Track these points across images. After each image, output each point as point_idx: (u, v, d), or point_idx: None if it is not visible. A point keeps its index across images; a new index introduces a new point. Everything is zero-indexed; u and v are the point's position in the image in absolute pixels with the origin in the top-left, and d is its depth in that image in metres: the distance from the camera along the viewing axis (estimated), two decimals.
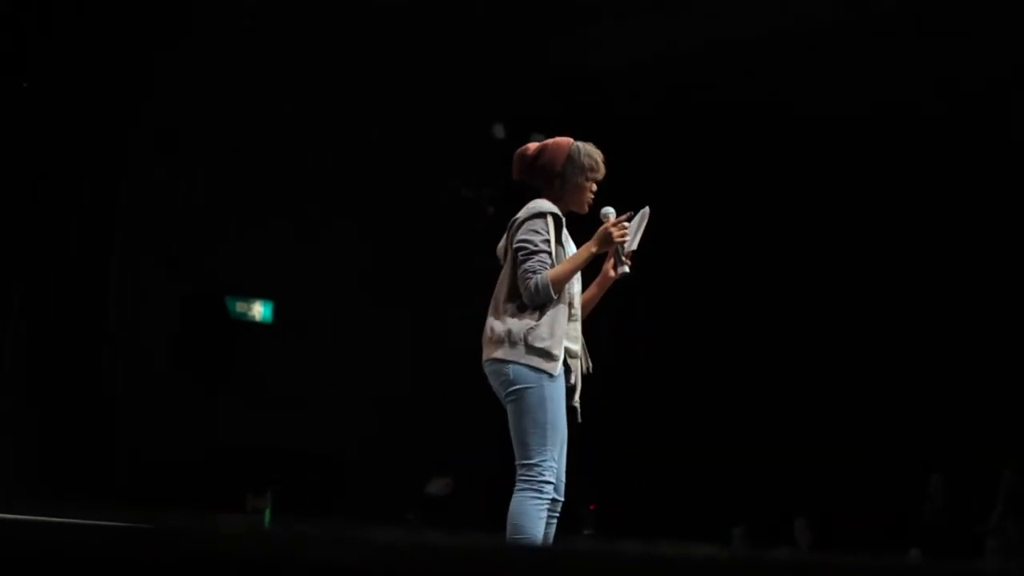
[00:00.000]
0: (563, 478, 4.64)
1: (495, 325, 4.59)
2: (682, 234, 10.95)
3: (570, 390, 4.66)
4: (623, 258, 4.74)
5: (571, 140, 4.79)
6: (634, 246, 4.80)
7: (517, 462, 4.53)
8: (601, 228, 4.66)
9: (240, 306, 11.52)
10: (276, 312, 11.70)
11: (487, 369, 4.63)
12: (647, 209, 4.82)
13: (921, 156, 11.88)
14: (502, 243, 4.76)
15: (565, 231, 4.71)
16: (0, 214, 10.36)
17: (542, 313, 4.54)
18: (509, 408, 4.56)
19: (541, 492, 4.47)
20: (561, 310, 4.57)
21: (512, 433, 4.55)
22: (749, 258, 12.42)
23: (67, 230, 10.57)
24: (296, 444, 11.44)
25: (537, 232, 4.59)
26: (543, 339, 4.51)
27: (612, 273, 4.75)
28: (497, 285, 4.68)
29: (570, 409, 4.69)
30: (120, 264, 10.93)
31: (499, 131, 12.16)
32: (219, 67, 11.42)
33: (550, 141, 4.81)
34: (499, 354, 4.55)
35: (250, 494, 10.55)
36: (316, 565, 2.35)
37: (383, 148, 12.23)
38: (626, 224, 4.68)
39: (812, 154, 12.18)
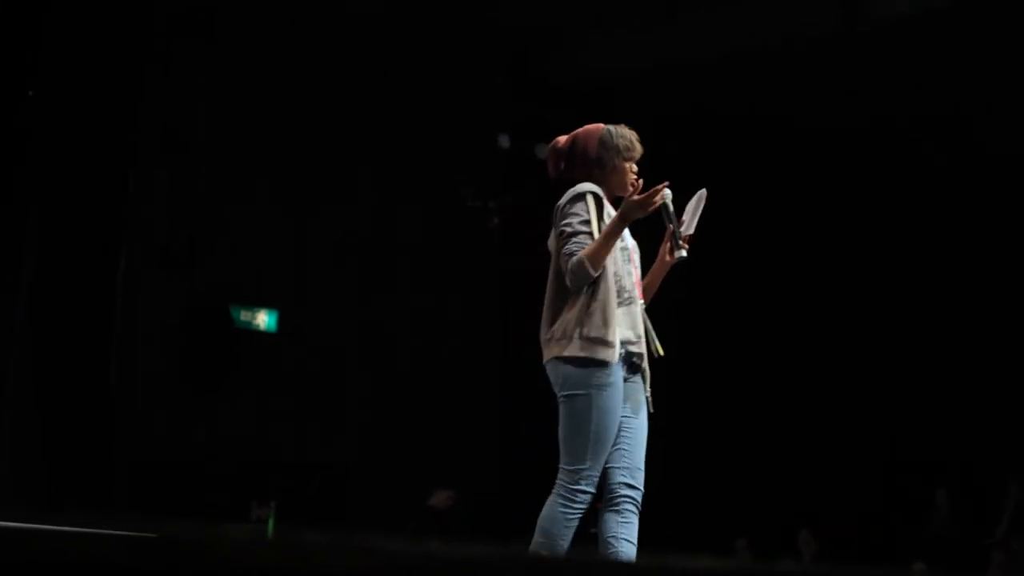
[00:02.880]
0: (641, 465, 4.49)
1: (549, 323, 4.44)
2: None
3: (642, 376, 4.52)
4: (680, 242, 4.58)
5: (601, 125, 4.62)
6: (691, 230, 4.64)
7: (560, 464, 4.41)
8: (626, 198, 4.43)
9: (244, 315, 11.52)
10: (280, 321, 11.69)
11: (547, 369, 4.46)
12: (703, 192, 4.68)
13: (925, 169, 11.89)
14: (551, 237, 4.59)
15: (610, 209, 4.49)
16: (3, 217, 10.37)
17: (592, 302, 4.36)
18: (560, 409, 4.44)
19: (573, 500, 4.35)
20: (611, 295, 4.39)
21: (559, 434, 4.43)
22: (749, 270, 12.43)
23: (71, 235, 10.58)
24: (297, 453, 11.44)
25: (576, 214, 4.42)
26: (597, 327, 4.35)
27: (668, 258, 4.61)
28: (548, 281, 4.52)
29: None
30: (124, 271, 10.93)
31: (504, 141, 12.17)
32: (225, 76, 11.44)
33: (580, 130, 4.64)
34: (556, 351, 4.40)
35: (254, 502, 10.55)
36: (320, 574, 2.35)
37: (389, 156, 12.25)
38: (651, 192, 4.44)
39: (813, 166, 12.19)
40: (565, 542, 4.36)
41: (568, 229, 4.41)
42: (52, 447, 10.18)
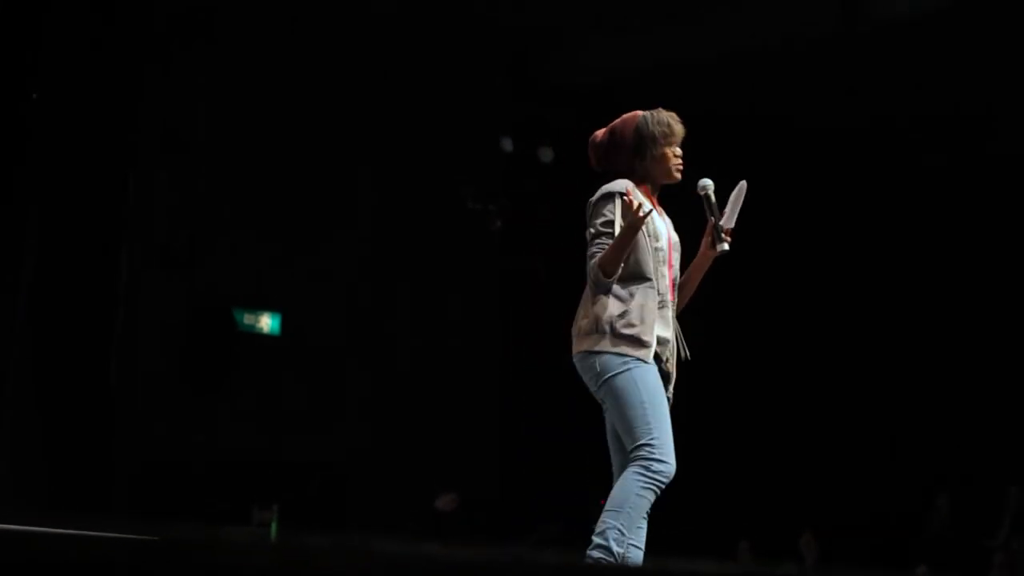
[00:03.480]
0: None
1: (582, 316, 4.37)
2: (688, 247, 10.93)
3: (664, 378, 4.43)
4: (722, 235, 4.50)
5: (638, 113, 4.53)
6: (731, 224, 4.56)
7: (631, 450, 4.29)
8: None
9: (248, 318, 11.51)
10: (283, 324, 11.68)
11: (576, 363, 4.39)
12: (744, 184, 4.59)
13: (925, 170, 11.88)
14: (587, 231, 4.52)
15: (643, 201, 4.35)
16: (3, 217, 10.36)
17: (630, 299, 4.30)
18: (605, 401, 4.36)
19: (648, 471, 4.20)
20: (650, 295, 4.33)
21: (617, 425, 4.34)
22: (747, 271, 12.39)
23: (72, 235, 10.56)
24: (299, 455, 11.42)
25: (602, 215, 4.35)
26: (632, 325, 4.28)
27: (710, 251, 4.52)
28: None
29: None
30: (127, 274, 10.92)
31: (507, 144, 12.16)
32: (225, 76, 11.43)
33: (617, 121, 4.55)
34: (587, 345, 4.32)
35: (256, 506, 10.53)
36: None
37: (390, 157, 12.23)
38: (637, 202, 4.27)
39: (813, 166, 12.19)
40: (637, 507, 4.19)
41: (592, 231, 4.37)
42: (52, 448, 10.17)
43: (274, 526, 10.33)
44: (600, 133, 4.57)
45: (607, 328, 4.29)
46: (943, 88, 11.14)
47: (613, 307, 4.30)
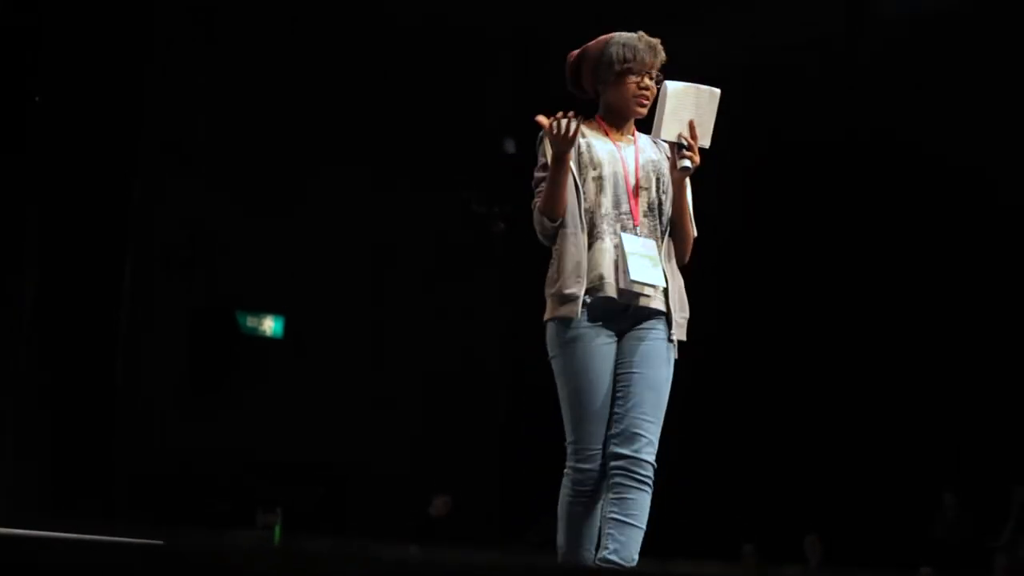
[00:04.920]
0: (639, 429, 3.86)
1: None
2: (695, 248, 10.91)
3: (626, 316, 3.93)
4: (683, 151, 3.96)
5: (613, 34, 4.07)
6: (669, 136, 3.99)
7: None
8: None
9: (251, 321, 11.52)
10: (286, 327, 11.69)
11: None
12: (671, 86, 3.98)
13: (927, 172, 11.88)
14: None
15: (589, 138, 3.97)
16: (5, 222, 10.37)
17: (552, 255, 3.92)
18: None
19: (567, 479, 3.90)
20: (569, 240, 3.87)
21: None
22: (755, 273, 12.41)
23: (75, 240, 10.58)
24: (302, 458, 11.43)
25: (537, 160, 3.98)
26: (553, 282, 3.90)
27: (673, 172, 4.00)
28: None
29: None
30: (130, 277, 10.93)
31: (510, 146, 12.15)
32: (227, 77, 11.43)
33: (592, 41, 4.09)
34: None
35: (260, 509, 10.53)
36: None
37: (392, 159, 12.24)
38: (563, 119, 3.83)
39: (813, 168, 12.18)
40: (571, 523, 3.91)
41: (533, 182, 4.00)
42: (56, 453, 10.18)
43: (278, 530, 10.34)
44: (574, 54, 4.15)
45: (546, 293, 3.96)
46: (945, 89, 11.13)
47: (550, 268, 3.95)
